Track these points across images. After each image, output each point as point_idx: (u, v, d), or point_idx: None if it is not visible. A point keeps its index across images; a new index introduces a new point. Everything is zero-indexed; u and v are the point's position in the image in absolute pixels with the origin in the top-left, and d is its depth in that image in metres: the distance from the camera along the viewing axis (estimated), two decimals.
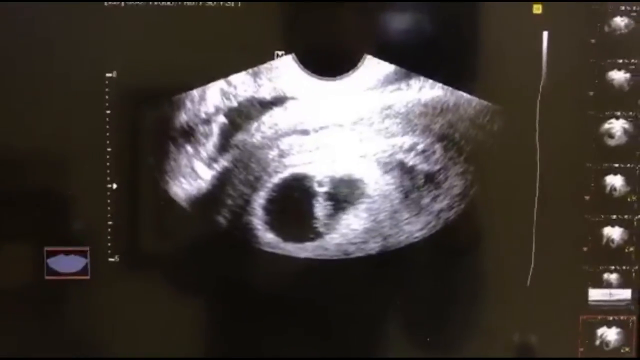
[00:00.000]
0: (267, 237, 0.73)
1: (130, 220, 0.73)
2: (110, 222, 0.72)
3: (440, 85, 0.72)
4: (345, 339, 0.74)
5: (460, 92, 0.72)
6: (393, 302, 0.75)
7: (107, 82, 0.70)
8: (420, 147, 0.74)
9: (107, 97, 0.70)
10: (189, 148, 0.73)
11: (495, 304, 0.74)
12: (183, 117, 0.72)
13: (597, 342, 0.74)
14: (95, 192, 0.71)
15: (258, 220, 0.72)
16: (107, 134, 0.71)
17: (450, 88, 0.72)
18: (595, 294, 0.74)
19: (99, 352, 0.72)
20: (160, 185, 0.72)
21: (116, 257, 0.73)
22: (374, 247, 0.74)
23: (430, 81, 0.72)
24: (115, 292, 0.73)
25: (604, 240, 0.73)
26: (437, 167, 0.74)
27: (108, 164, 0.71)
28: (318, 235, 0.73)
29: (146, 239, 0.74)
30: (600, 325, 0.74)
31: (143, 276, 0.73)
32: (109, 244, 0.72)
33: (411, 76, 0.72)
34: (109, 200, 0.72)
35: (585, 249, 0.73)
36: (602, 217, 0.73)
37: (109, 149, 0.71)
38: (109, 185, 0.72)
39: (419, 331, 0.75)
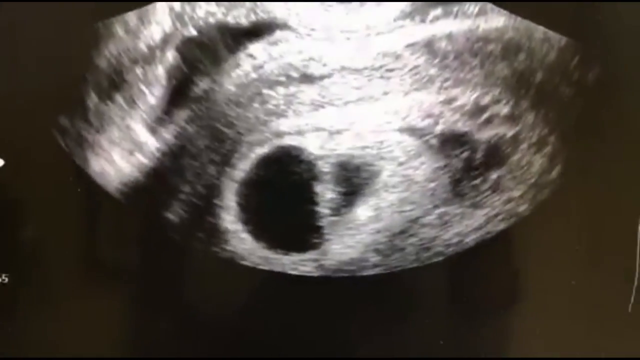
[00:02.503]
0: (244, 244, 0.55)
1: (26, 218, 0.55)
2: None
3: (504, 13, 0.55)
4: None
5: (535, 25, 0.55)
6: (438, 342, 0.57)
7: None
8: (480, 102, 0.54)
9: None
10: (121, 102, 0.54)
11: (585, 336, 0.58)
12: (111, 52, 0.53)
13: None
14: None
15: (229, 216, 0.55)
16: None
17: (518, 18, 0.55)
18: None
19: None
20: (75, 162, 0.54)
21: (3, 276, 0.55)
22: (407, 257, 0.55)
23: (491, 5, 0.55)
24: (4, 330, 0.56)
25: None
26: (504, 134, 0.55)
27: None
28: (321, 239, 0.55)
29: (53, 248, 0.56)
30: None
31: (47, 305, 0.56)
32: None
33: None
34: None
35: None
36: None
37: None
38: None
39: None
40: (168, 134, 0.53)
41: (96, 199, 0.55)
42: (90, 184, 0.55)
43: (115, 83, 0.53)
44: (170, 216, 0.54)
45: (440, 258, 0.56)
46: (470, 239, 0.55)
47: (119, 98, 0.53)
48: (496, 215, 0.56)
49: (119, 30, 0.53)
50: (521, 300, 0.58)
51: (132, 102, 0.53)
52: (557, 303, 0.59)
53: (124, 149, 0.53)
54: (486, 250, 0.57)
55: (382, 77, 0.55)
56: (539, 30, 0.56)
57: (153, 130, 0.53)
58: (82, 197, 0.55)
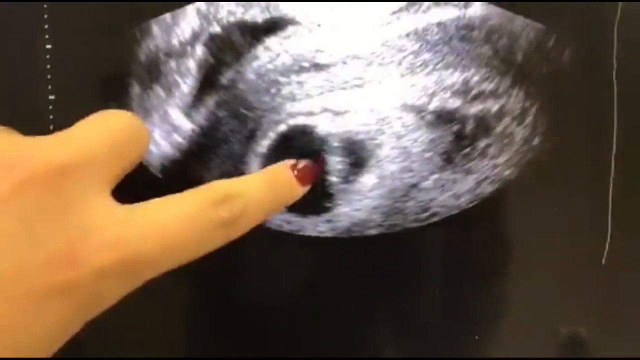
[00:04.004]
0: None
1: None
2: None
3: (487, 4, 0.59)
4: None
5: (510, 13, 0.59)
6: (433, 291, 0.61)
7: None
8: (468, 82, 0.59)
9: (46, 26, 0.57)
10: (159, 91, 0.58)
11: (559, 288, 0.60)
12: (150, 48, 0.58)
13: None
14: None
15: None
16: (48, 77, 0.57)
17: (495, 7, 0.59)
18: None
19: None
20: None
21: None
22: (408, 217, 0.60)
23: None
24: None
25: None
26: (490, 108, 0.59)
27: (52, 116, 0.57)
28: (333, 204, 0.59)
29: None
30: None
31: None
32: None
33: None
34: None
35: None
36: None
37: (51, 97, 0.57)
38: None
39: (468, 329, 0.61)
40: (200, 117, 0.57)
41: (137, 174, 0.53)
42: None
43: (153, 75, 0.57)
44: None
45: (437, 218, 0.59)
46: (463, 201, 0.59)
47: (157, 87, 0.57)
48: (485, 179, 0.59)
49: (156, 29, 0.56)
50: (507, 258, 0.60)
51: (168, 91, 0.57)
52: (540, 258, 0.60)
53: (163, 131, 0.57)
54: (478, 211, 0.60)
55: (381, 63, 0.58)
56: (519, 18, 0.58)
57: (187, 114, 0.57)
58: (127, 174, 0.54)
